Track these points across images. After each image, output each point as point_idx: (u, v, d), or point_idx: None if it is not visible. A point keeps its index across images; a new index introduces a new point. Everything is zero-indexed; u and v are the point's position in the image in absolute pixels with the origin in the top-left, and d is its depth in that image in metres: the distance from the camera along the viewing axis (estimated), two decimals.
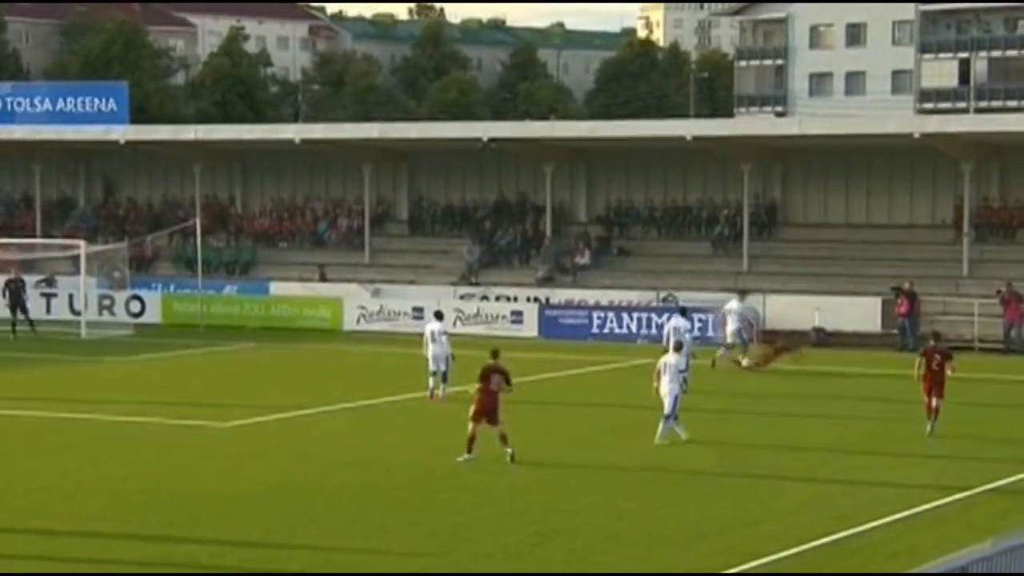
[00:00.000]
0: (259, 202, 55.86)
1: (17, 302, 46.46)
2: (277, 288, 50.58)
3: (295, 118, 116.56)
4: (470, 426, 24.96)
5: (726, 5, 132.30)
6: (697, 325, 44.36)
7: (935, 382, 27.64)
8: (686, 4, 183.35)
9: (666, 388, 26.69)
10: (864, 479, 23.81)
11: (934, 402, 27.69)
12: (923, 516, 21.19)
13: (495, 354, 25.82)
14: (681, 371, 27.06)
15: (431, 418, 29.93)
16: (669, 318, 36.42)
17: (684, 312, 36.28)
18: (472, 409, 24.95)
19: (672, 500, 22.34)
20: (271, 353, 42.36)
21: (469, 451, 24.81)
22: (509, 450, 24.69)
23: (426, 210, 53.52)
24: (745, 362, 37.49)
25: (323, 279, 50.70)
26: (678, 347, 27.89)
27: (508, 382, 25.01)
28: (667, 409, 26.63)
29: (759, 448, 26.51)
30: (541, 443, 27.27)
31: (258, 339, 44.96)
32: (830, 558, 18.94)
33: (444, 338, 32.67)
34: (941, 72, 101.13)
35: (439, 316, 34.36)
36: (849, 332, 42.00)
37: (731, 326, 38.14)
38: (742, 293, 39.77)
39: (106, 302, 49.50)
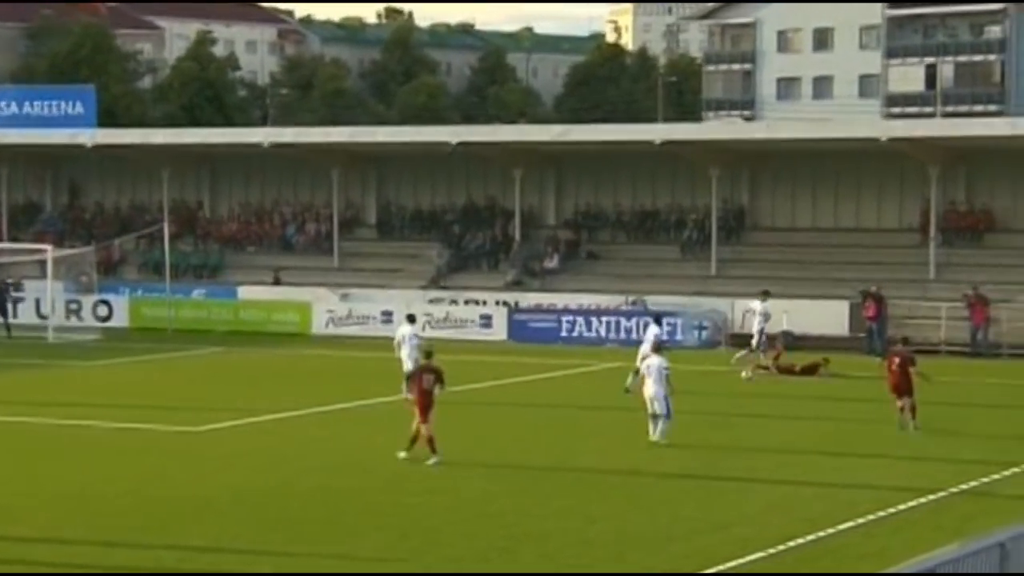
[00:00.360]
0: (227, 206, 55.73)
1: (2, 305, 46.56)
2: (245, 292, 50.46)
3: (263, 122, 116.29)
4: (415, 425, 25.42)
5: (694, 9, 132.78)
6: (667, 329, 44.57)
7: (900, 383, 28.48)
8: (655, 6, 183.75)
9: (652, 390, 26.88)
10: (834, 481, 23.91)
11: (903, 402, 28.42)
12: (893, 518, 21.30)
13: (428, 354, 26.51)
14: (664, 370, 27.05)
15: (402, 422, 29.81)
16: (646, 327, 36.44)
17: (659, 320, 36.29)
18: (417, 410, 25.44)
19: (643, 503, 22.39)
20: (240, 357, 42.24)
21: (408, 448, 25.33)
22: (434, 459, 25.00)
23: (395, 214, 53.50)
24: (768, 362, 37.27)
25: (277, 282, 50.65)
26: (657, 348, 28.00)
27: (441, 382, 25.56)
28: (661, 410, 26.90)
29: (729, 450, 26.60)
30: (512, 447, 27.30)
31: (227, 343, 44.84)
32: (800, 561, 19.01)
33: (414, 341, 32.72)
34: (908, 77, 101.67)
35: (411, 319, 34.37)
36: (817, 335, 42.17)
37: (756, 326, 38.19)
38: (765, 293, 39.63)
39: (73, 306, 49.30)
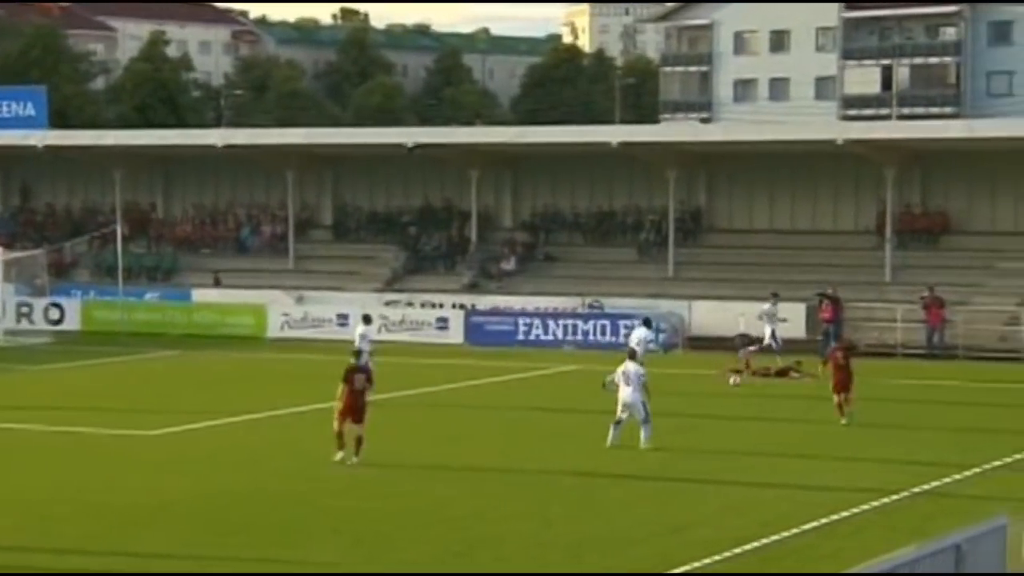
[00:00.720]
0: (181, 208, 55.47)
1: None
2: (199, 295, 50.22)
3: (218, 123, 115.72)
4: (335, 424, 25.49)
5: (651, 11, 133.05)
6: (624, 332, 44.64)
7: (841, 379, 29.80)
8: (612, 7, 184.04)
9: (631, 397, 26.68)
10: (793, 482, 23.99)
11: (842, 397, 29.80)
12: (851, 520, 21.38)
13: (356, 355, 26.92)
14: (641, 376, 26.90)
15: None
16: (631, 329, 36.50)
17: (648, 323, 36.36)
18: (338, 408, 25.54)
19: (600, 506, 22.39)
20: (194, 361, 42.05)
21: (340, 448, 25.40)
22: (356, 459, 25.20)
23: (351, 216, 53.38)
24: (742, 366, 37.34)
25: (217, 284, 50.46)
26: (632, 355, 27.71)
27: (370, 381, 25.99)
28: (641, 416, 26.70)
29: (688, 452, 26.64)
30: (468, 450, 27.27)
31: (180, 347, 44.61)
32: (758, 563, 19.06)
33: (366, 344, 32.74)
34: (864, 79, 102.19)
35: (367, 319, 34.35)
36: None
37: (767, 329, 38.25)
38: (775, 296, 39.73)
39: (24, 309, 48.93)
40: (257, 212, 54.24)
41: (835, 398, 29.88)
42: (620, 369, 27.14)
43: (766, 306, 38.78)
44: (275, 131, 65.11)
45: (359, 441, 25.35)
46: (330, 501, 22.72)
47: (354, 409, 25.40)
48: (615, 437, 26.88)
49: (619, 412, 26.94)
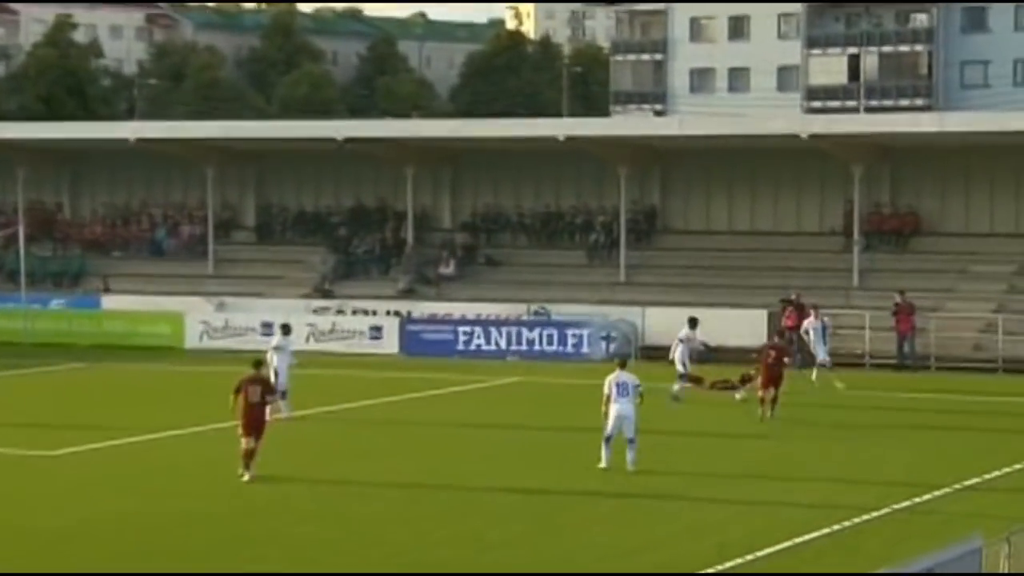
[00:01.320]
0: (90, 208, 55.13)
1: None
2: (110, 301, 49.95)
3: (130, 115, 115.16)
4: (243, 441, 25.63)
5: None
6: (572, 341, 44.76)
7: (770, 377, 32.55)
8: None
9: (626, 410, 26.26)
10: (751, 503, 24.14)
11: (768, 393, 32.40)
12: (812, 543, 21.51)
13: (257, 364, 26.95)
14: (637, 387, 26.56)
15: (280, 444, 29.65)
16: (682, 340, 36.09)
17: (693, 323, 35.86)
18: (240, 424, 25.74)
19: (544, 529, 22.44)
20: (104, 373, 41.82)
21: (247, 467, 25.59)
22: (247, 476, 25.42)
23: (276, 216, 53.21)
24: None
25: (106, 289, 50.23)
26: (623, 363, 27.15)
27: (271, 393, 26.32)
28: (631, 433, 26.37)
29: (641, 471, 26.65)
30: (402, 468, 27.25)
31: (89, 358, 44.35)
32: None
33: (287, 357, 32.72)
34: (829, 68, 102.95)
35: (286, 330, 34.26)
36: (733, 347, 42.40)
37: (816, 340, 38.36)
38: (815, 307, 39.66)
39: None
40: (173, 212, 53.96)
41: (760, 392, 32.42)
42: (611, 379, 26.59)
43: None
44: (193, 124, 64.83)
45: (250, 455, 25.55)
46: (253, 524, 22.64)
47: (249, 423, 25.57)
48: (609, 456, 26.41)
49: (609, 427, 26.47)
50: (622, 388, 26.42)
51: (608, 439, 26.53)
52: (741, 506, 24.01)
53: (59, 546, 21.40)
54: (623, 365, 27.08)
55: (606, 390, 26.51)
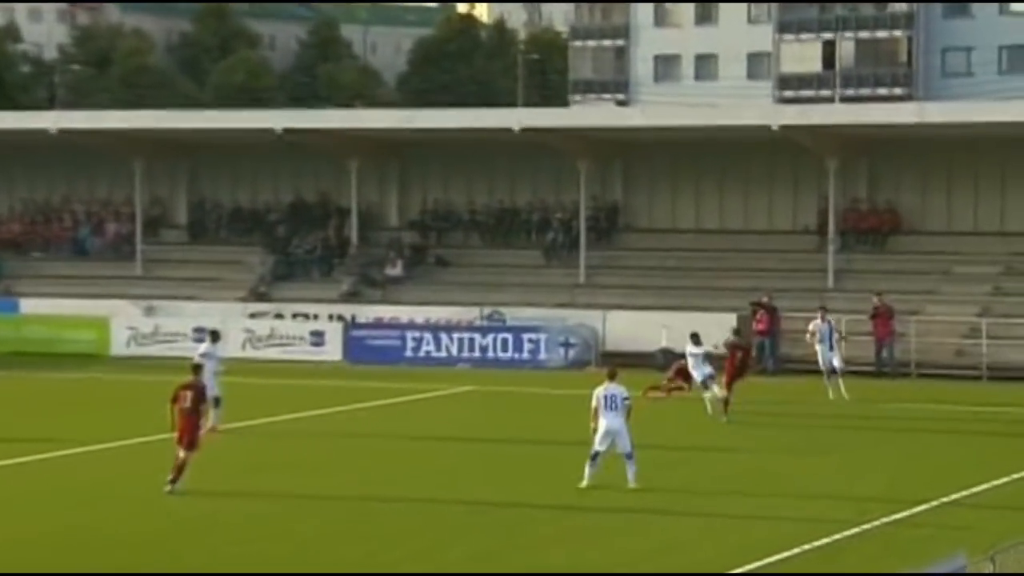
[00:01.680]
0: (7, 204, 54.94)
1: None
2: (29, 305, 49.73)
3: (51, 104, 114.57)
4: (181, 454, 25.88)
5: None
6: (528, 347, 44.81)
7: (738, 375, 34.76)
8: None
9: (616, 424, 26.06)
10: (724, 520, 24.21)
11: (730, 394, 34.27)
12: (785, 563, 21.59)
13: (196, 369, 27.63)
14: (626, 400, 26.38)
15: (213, 458, 29.56)
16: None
17: (697, 340, 35.88)
18: (176, 435, 26.07)
19: (503, 548, 22.47)
20: (22, 382, 41.65)
21: (172, 480, 25.93)
22: (169, 487, 25.75)
23: (209, 213, 53.09)
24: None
25: (7, 292, 50.00)
26: (613, 375, 26.76)
27: (203, 400, 26.53)
28: (626, 448, 26.24)
29: (608, 487, 26.58)
30: (350, 484, 27.21)
31: (7, 366, 44.15)
32: None
33: (213, 364, 32.69)
34: (803, 55, 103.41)
35: (215, 336, 34.18)
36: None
37: (823, 345, 38.30)
38: (823, 309, 39.62)
39: None
40: (98, 209, 53.79)
41: (725, 393, 34.31)
42: (599, 391, 26.30)
43: (817, 323, 38.57)
44: (119, 113, 64.55)
45: (181, 468, 25.81)
46: (183, 545, 22.56)
47: (180, 431, 25.95)
48: (592, 474, 26.23)
49: (597, 443, 26.22)
50: (610, 401, 26.13)
51: (595, 456, 26.26)
52: (711, 523, 24.09)
53: None
54: (613, 376, 26.69)
55: (593, 403, 26.26)
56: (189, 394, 26.09)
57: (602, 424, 26.18)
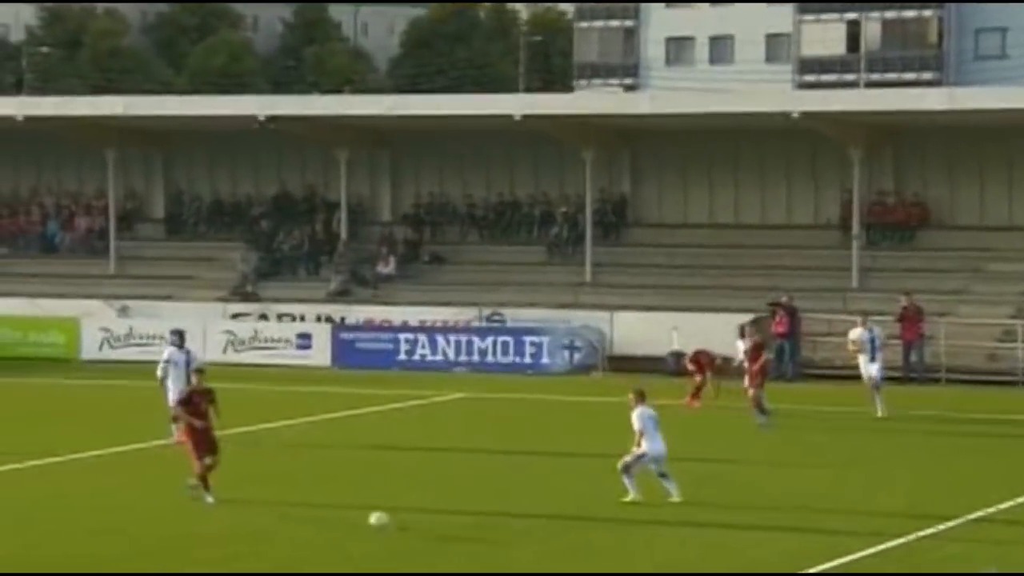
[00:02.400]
0: None
1: None
2: None
3: (18, 90, 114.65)
4: (197, 464, 26.16)
5: None
6: (530, 351, 44.81)
7: (761, 373, 35.81)
8: None
9: (663, 448, 26.41)
10: (726, 536, 24.23)
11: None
12: None
13: (200, 372, 28.00)
14: (657, 419, 26.60)
15: (184, 472, 29.64)
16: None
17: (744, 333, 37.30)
18: (191, 442, 26.36)
19: (492, 564, 22.47)
20: None
21: (206, 488, 26.30)
22: (207, 492, 26.15)
23: (187, 207, 53.12)
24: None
25: None
26: (642, 394, 26.85)
27: (213, 402, 26.67)
28: (665, 468, 26.60)
29: (608, 500, 26.67)
30: (338, 496, 27.25)
31: None
32: None
33: (181, 367, 32.76)
34: (825, 37, 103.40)
35: (179, 337, 34.19)
36: (714, 356, 42.65)
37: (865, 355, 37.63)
38: (865, 315, 39.10)
39: None
40: (69, 202, 53.83)
41: (755, 391, 35.31)
42: (639, 413, 26.46)
43: (858, 331, 38.04)
44: (89, 99, 64.60)
45: (205, 475, 26.24)
46: (146, 564, 22.57)
47: (210, 440, 26.33)
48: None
49: (646, 464, 26.48)
50: (655, 423, 26.50)
51: (629, 468, 26.53)
52: (714, 539, 24.08)
53: None
54: (643, 397, 26.85)
55: (638, 425, 26.42)
56: (205, 399, 26.56)
57: (652, 449, 26.38)
